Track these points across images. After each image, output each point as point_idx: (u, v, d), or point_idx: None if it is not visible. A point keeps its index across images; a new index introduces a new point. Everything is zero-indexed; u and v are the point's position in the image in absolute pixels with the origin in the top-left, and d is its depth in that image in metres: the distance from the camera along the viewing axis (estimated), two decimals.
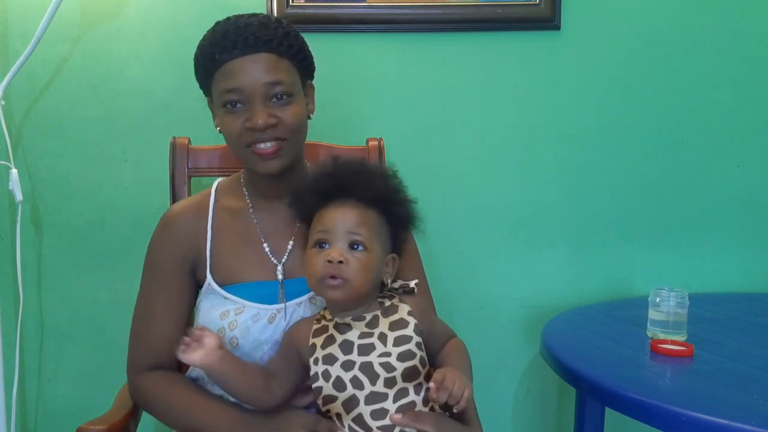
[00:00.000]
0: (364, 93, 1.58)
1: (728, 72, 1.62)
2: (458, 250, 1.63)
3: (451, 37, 1.57)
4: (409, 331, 0.89)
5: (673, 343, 1.19)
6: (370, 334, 0.88)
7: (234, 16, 1.03)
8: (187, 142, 1.38)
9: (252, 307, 0.99)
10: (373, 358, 0.86)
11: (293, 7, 1.52)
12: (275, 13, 1.52)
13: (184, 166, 1.37)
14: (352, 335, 0.89)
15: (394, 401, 0.85)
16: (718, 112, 1.63)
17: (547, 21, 1.56)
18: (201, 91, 1.12)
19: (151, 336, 1.04)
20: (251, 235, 1.06)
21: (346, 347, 0.88)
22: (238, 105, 0.98)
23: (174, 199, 1.35)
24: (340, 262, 0.87)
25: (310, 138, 1.40)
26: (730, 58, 1.62)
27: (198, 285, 1.07)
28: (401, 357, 0.86)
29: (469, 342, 1.64)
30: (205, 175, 1.39)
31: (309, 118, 1.08)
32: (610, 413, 1.23)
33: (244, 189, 1.10)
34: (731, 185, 1.65)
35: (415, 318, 0.90)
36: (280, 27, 1.01)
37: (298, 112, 1.01)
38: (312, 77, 1.11)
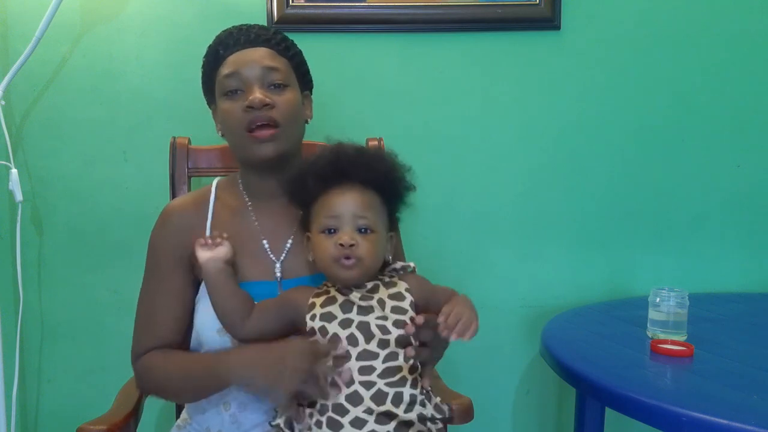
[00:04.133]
0: (364, 93, 1.58)
1: (728, 72, 1.62)
2: (458, 250, 1.63)
3: (451, 37, 1.57)
4: (405, 304, 0.93)
5: (673, 343, 1.19)
6: (371, 298, 0.92)
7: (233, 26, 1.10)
8: (187, 142, 1.38)
9: None
10: (371, 319, 0.90)
11: (293, 7, 1.52)
12: (275, 13, 1.52)
13: (184, 166, 1.37)
14: (354, 297, 0.93)
15: (383, 362, 0.88)
16: (718, 112, 1.63)
17: (547, 21, 1.56)
18: (201, 92, 1.14)
19: (154, 325, 1.05)
20: (250, 233, 1.06)
21: (347, 307, 0.92)
22: (238, 92, 1.03)
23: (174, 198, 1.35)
24: (352, 245, 0.90)
25: (310, 138, 1.40)
26: (731, 58, 1.62)
27: (198, 281, 1.06)
28: (397, 324, 0.90)
29: (470, 342, 1.64)
30: (205, 175, 1.39)
31: (306, 122, 1.12)
32: (610, 413, 1.23)
33: (242, 189, 1.11)
34: (731, 185, 1.65)
35: (411, 295, 0.94)
36: (279, 33, 1.10)
37: (293, 100, 1.05)
38: (310, 90, 1.15)
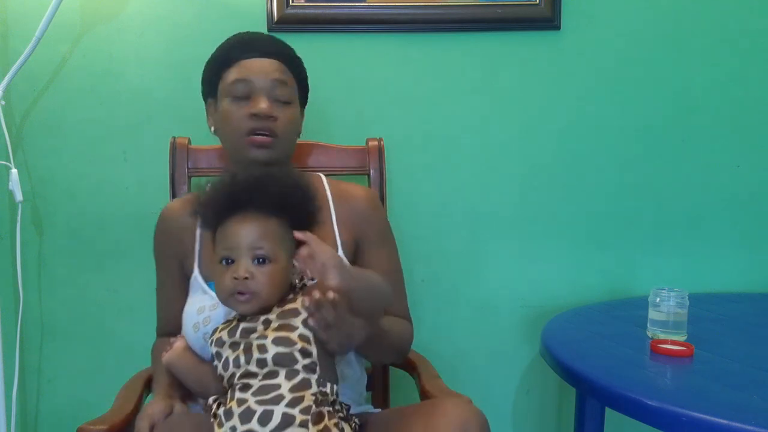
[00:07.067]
0: (364, 93, 1.58)
1: (728, 72, 1.62)
2: (458, 250, 1.63)
3: (451, 37, 1.57)
4: (296, 321, 0.91)
5: (673, 343, 1.19)
6: (257, 319, 0.92)
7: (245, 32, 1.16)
8: (187, 142, 1.38)
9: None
10: (252, 339, 0.91)
11: (293, 7, 1.52)
12: (275, 13, 1.52)
13: (184, 166, 1.37)
14: (243, 322, 0.93)
15: (261, 380, 0.88)
16: (718, 112, 1.63)
17: (547, 21, 1.56)
18: (200, 93, 1.15)
19: (162, 316, 1.18)
20: None
21: (233, 331, 0.93)
22: (245, 98, 1.07)
23: (174, 199, 1.35)
24: (246, 278, 0.90)
25: (311, 138, 1.41)
26: (731, 58, 1.62)
27: (188, 277, 1.13)
28: (276, 341, 0.89)
29: (470, 342, 1.65)
30: (205, 175, 1.39)
31: (298, 135, 1.19)
32: (610, 413, 1.23)
33: None
34: (731, 185, 1.65)
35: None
36: (292, 49, 1.15)
37: (294, 116, 1.12)
38: (304, 106, 1.21)
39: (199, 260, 1.10)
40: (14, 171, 1.46)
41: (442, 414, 0.89)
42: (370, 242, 1.17)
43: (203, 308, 1.03)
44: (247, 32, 1.14)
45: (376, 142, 1.43)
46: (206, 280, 1.09)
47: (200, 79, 1.18)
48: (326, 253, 0.89)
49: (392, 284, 1.13)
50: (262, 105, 1.05)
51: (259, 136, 1.06)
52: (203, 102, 1.19)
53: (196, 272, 1.09)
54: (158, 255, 1.17)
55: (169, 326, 1.13)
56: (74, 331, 1.60)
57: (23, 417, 1.62)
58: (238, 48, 1.10)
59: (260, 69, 1.08)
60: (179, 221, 1.13)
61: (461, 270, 1.63)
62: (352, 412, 0.98)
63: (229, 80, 1.08)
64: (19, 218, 1.50)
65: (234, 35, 1.14)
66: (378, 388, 1.35)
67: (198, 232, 1.11)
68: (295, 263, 0.88)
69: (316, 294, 0.87)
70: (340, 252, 1.12)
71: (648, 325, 1.26)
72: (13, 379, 1.53)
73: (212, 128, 1.15)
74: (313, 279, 0.96)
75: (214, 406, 0.91)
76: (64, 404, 1.62)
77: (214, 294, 1.02)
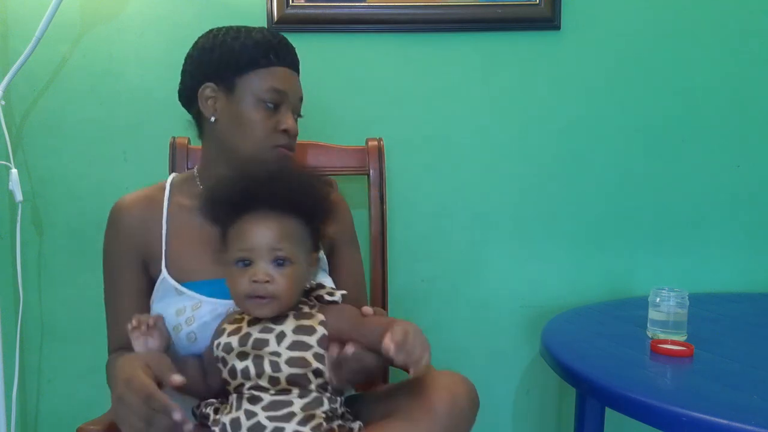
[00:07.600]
0: (364, 93, 1.58)
1: (728, 72, 1.62)
2: (458, 250, 1.63)
3: (451, 37, 1.57)
4: (311, 340, 0.88)
5: (673, 343, 1.19)
6: (271, 330, 0.88)
7: (267, 29, 1.10)
8: (187, 142, 1.38)
9: (209, 302, 0.99)
10: (264, 353, 0.87)
11: (293, 7, 1.52)
12: (275, 13, 1.52)
13: (183, 166, 1.37)
14: (255, 329, 0.89)
15: (272, 395, 0.86)
16: (718, 112, 1.63)
17: (547, 21, 1.56)
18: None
19: (117, 327, 1.07)
20: (210, 234, 0.99)
21: (244, 339, 0.88)
22: (275, 107, 1.05)
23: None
24: (267, 281, 0.86)
25: (311, 138, 1.41)
26: (731, 58, 1.62)
27: (152, 280, 1.05)
28: (290, 362, 0.86)
29: (470, 342, 1.65)
30: None
31: None
32: (610, 413, 1.23)
33: (201, 188, 1.10)
34: (731, 185, 1.65)
35: (326, 329, 0.89)
36: None
37: None
38: None
39: (166, 260, 1.03)
40: (14, 171, 1.46)
41: (432, 386, 0.89)
42: (343, 243, 1.19)
43: (183, 310, 0.99)
44: (271, 32, 1.07)
45: (376, 142, 1.43)
46: (177, 281, 1.02)
47: (194, 57, 1.12)
48: (424, 342, 0.82)
49: (360, 283, 1.20)
50: (293, 123, 1.06)
51: (284, 148, 1.06)
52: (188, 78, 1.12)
53: (164, 274, 1.02)
54: (115, 257, 1.07)
55: (127, 339, 0.98)
56: (74, 331, 1.60)
57: (23, 417, 1.62)
58: (275, 51, 1.05)
59: (293, 84, 1.08)
60: (139, 218, 1.06)
61: (461, 270, 1.63)
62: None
63: (262, 85, 1.03)
64: (19, 218, 1.50)
65: (257, 30, 1.07)
66: None
67: (164, 230, 1.04)
68: (391, 349, 0.79)
69: (335, 350, 0.86)
70: (321, 252, 1.10)
71: (648, 325, 1.26)
72: (13, 379, 1.53)
73: (213, 118, 1.06)
74: (332, 294, 0.95)
75: (211, 413, 0.89)
76: (64, 404, 1.62)
77: (192, 294, 0.99)
